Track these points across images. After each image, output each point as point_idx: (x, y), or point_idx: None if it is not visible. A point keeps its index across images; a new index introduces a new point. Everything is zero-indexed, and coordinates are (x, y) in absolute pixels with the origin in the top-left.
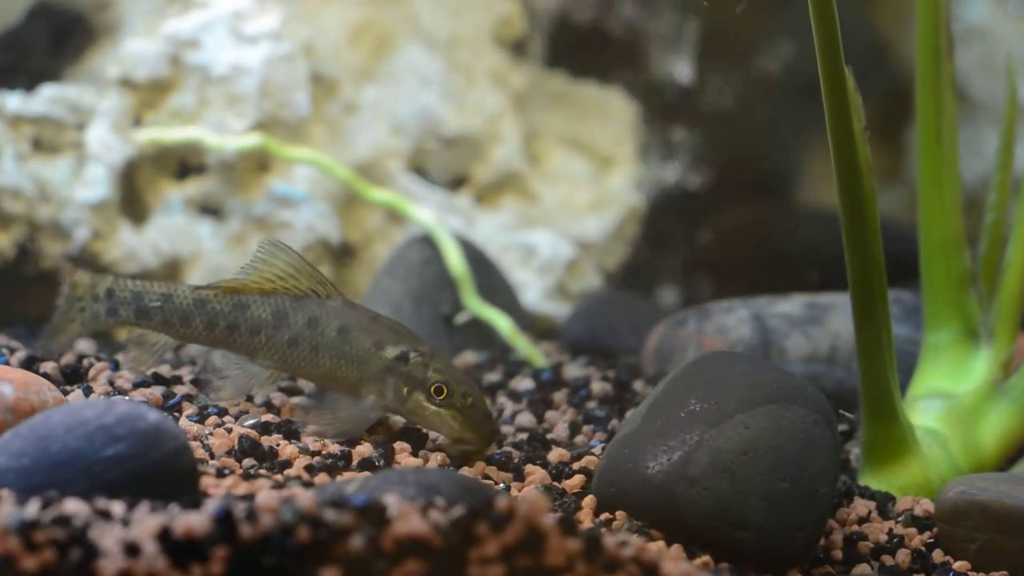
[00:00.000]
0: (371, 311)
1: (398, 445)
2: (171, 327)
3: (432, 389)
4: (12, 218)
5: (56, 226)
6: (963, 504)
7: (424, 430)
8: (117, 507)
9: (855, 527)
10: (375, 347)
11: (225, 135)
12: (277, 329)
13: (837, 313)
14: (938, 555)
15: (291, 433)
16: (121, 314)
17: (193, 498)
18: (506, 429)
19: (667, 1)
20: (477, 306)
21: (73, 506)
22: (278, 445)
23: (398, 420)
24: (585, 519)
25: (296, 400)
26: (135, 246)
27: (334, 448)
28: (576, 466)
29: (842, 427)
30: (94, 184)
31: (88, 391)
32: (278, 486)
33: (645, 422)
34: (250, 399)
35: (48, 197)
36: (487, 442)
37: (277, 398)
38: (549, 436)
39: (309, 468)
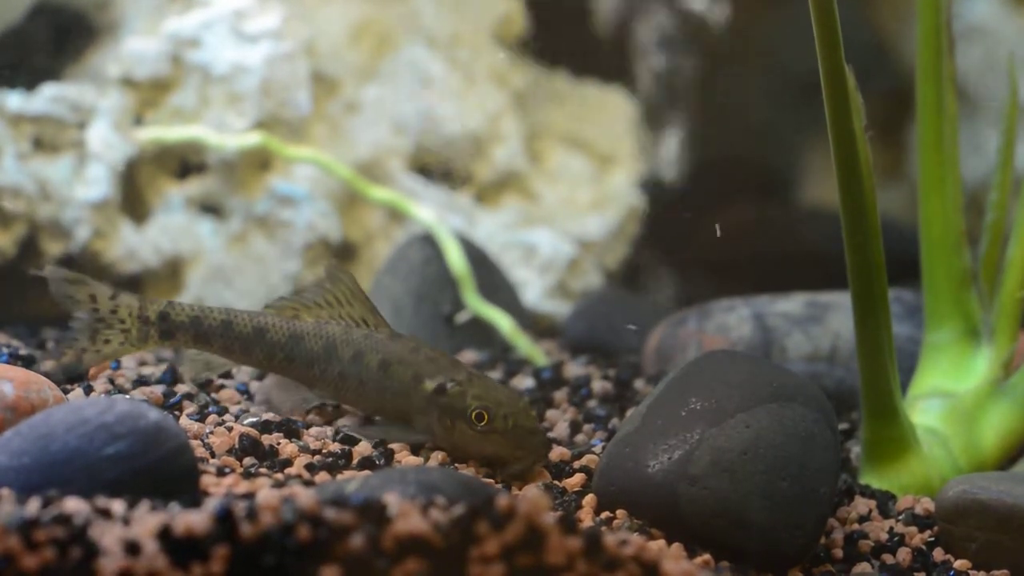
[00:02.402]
0: (413, 341)
1: (398, 444)
2: (231, 353)
3: (473, 417)
4: (13, 217)
5: (57, 225)
6: (964, 503)
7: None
8: (117, 506)
9: (856, 526)
10: (414, 380)
11: (226, 134)
12: (328, 363)
13: (838, 312)
14: (939, 554)
15: (291, 432)
16: (178, 338)
17: (194, 497)
18: None
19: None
20: (478, 305)
21: (73, 505)
22: (278, 444)
23: None
24: (586, 518)
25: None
26: (136, 245)
27: (334, 447)
28: (577, 465)
29: (842, 426)
30: (95, 183)
31: (88, 389)
32: (278, 485)
33: (646, 421)
34: (250, 398)
35: (49, 196)
36: (537, 455)
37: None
38: (550, 435)
39: (309, 467)
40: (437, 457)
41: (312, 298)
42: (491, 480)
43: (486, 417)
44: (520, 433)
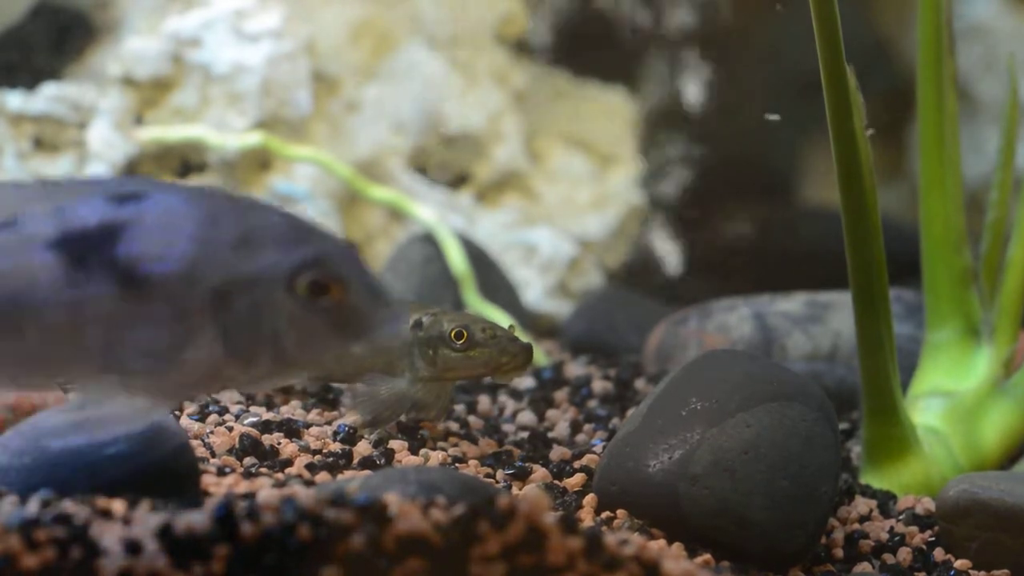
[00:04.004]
0: None
1: (398, 444)
2: None
3: (453, 336)
4: None
5: None
6: (964, 502)
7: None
8: (118, 506)
9: (856, 525)
10: None
11: (226, 133)
12: None
13: (838, 311)
14: (939, 553)
15: (292, 432)
16: None
17: (194, 497)
18: (507, 428)
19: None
20: (478, 304)
21: (74, 505)
22: (279, 444)
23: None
24: (586, 518)
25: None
26: None
27: (335, 447)
28: (577, 464)
29: (843, 425)
30: None
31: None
32: (279, 484)
33: (646, 421)
34: (251, 397)
35: None
36: (524, 357)
37: (279, 396)
38: (550, 435)
39: (310, 467)
40: (437, 457)
41: None
42: (491, 480)
43: (465, 334)
44: (501, 341)
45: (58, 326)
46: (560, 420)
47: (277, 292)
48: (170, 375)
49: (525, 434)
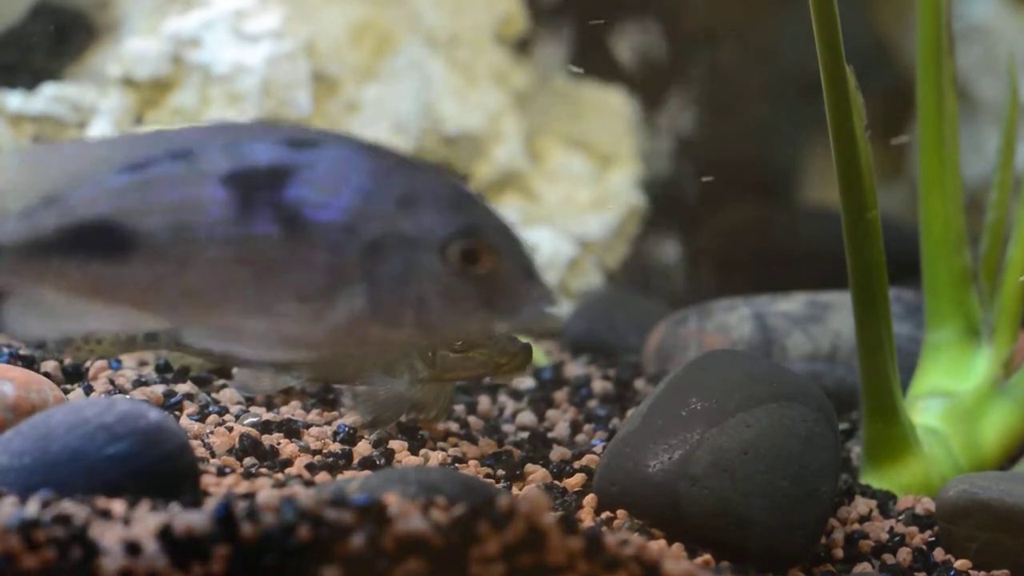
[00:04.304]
0: None
1: (398, 444)
2: (209, 352)
3: None
4: None
5: None
6: (964, 503)
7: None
8: (118, 506)
9: (856, 526)
10: None
11: None
12: None
13: (838, 311)
14: (939, 554)
15: (292, 432)
16: (160, 340)
17: (194, 497)
18: (507, 428)
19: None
20: None
21: (73, 505)
22: (279, 444)
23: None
24: (586, 518)
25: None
26: None
27: (335, 447)
28: (577, 465)
29: (843, 426)
30: None
31: (89, 390)
32: (279, 485)
33: (646, 421)
34: (250, 399)
35: None
36: (524, 356)
37: (279, 397)
38: (550, 435)
39: (310, 467)
40: (437, 457)
41: None
42: (491, 480)
43: None
44: (501, 341)
45: (221, 260)
46: (560, 420)
47: (430, 255)
48: (317, 324)
49: (525, 434)
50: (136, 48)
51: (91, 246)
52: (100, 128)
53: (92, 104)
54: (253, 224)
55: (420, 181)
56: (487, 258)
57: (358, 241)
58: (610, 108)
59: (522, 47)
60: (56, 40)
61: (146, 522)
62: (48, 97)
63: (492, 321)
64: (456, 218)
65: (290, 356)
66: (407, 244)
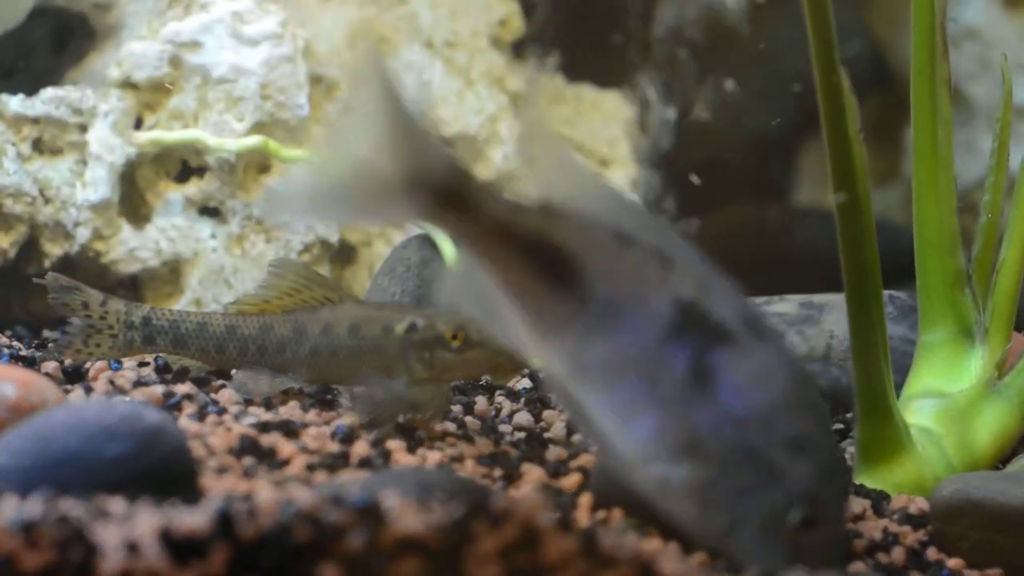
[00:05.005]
0: (377, 302)
1: (396, 444)
2: (207, 354)
3: (449, 337)
4: (14, 218)
5: (58, 226)
6: (957, 502)
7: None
8: (117, 506)
9: (850, 525)
10: (385, 332)
11: (225, 136)
12: (299, 343)
13: (832, 313)
14: (933, 553)
15: (290, 432)
16: (159, 342)
17: (193, 497)
18: (504, 428)
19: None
20: None
21: (73, 505)
22: (278, 444)
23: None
24: (582, 518)
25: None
26: (136, 246)
27: (333, 447)
28: (573, 465)
29: (837, 426)
30: (95, 185)
31: (89, 390)
32: (277, 485)
33: None
34: (249, 401)
35: (49, 198)
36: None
37: (278, 397)
38: (547, 435)
39: (308, 467)
40: (435, 457)
41: (270, 294)
42: (488, 480)
43: (461, 335)
44: (496, 341)
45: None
46: (556, 420)
47: (779, 501)
48: (649, 462)
49: (522, 434)
50: (136, 51)
51: (549, 267)
52: (100, 131)
53: (92, 106)
54: (672, 357)
55: (812, 428)
56: (818, 531)
57: (736, 440)
58: (607, 110)
59: (519, 50)
60: (57, 42)
61: (145, 523)
62: (48, 99)
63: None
64: (822, 486)
65: (608, 457)
66: (768, 475)
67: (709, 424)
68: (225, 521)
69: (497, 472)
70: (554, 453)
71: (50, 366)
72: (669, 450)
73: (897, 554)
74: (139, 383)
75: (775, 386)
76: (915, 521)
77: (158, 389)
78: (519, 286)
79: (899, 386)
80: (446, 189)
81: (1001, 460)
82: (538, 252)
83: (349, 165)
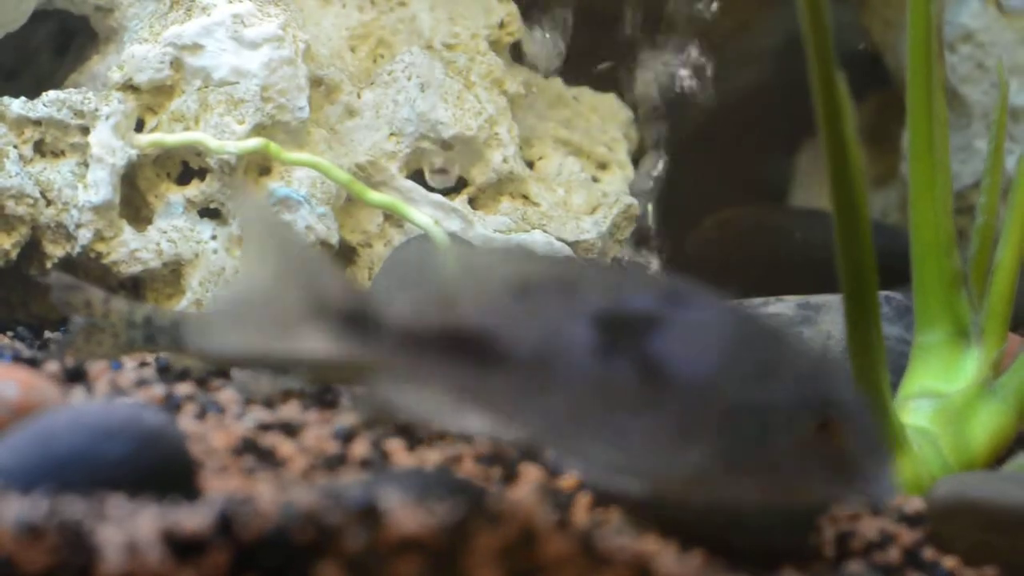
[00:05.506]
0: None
1: (395, 444)
2: (207, 354)
3: None
4: (16, 220)
5: (59, 228)
6: (953, 502)
7: None
8: (117, 507)
9: (846, 524)
10: None
11: (226, 138)
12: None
13: (829, 313)
14: (929, 552)
15: (290, 432)
16: (159, 342)
17: (193, 498)
18: None
19: None
20: None
21: (74, 506)
22: (278, 444)
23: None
24: (580, 517)
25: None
26: (137, 247)
27: (333, 448)
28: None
29: None
30: (97, 187)
31: (90, 391)
32: (278, 486)
33: None
34: (250, 400)
35: (51, 199)
36: None
37: (278, 397)
38: None
39: (308, 467)
40: (433, 457)
41: None
42: (487, 480)
43: None
44: None
45: (578, 392)
46: None
47: (786, 425)
48: (665, 468)
49: None
50: (137, 54)
51: (466, 351)
52: (102, 133)
53: (94, 109)
54: (614, 366)
55: (782, 350)
56: (839, 433)
57: (716, 402)
58: (605, 112)
59: (518, 52)
60: (58, 46)
61: (146, 524)
62: (50, 102)
63: (840, 493)
64: (815, 391)
65: (633, 486)
66: (764, 412)
67: (685, 407)
68: (225, 522)
69: (496, 472)
70: (552, 453)
71: (52, 367)
72: (672, 452)
73: (893, 554)
74: (140, 383)
75: (723, 337)
76: (911, 520)
77: (159, 389)
78: (447, 379)
79: (895, 386)
80: (348, 312)
81: (997, 460)
82: (452, 342)
83: (261, 300)
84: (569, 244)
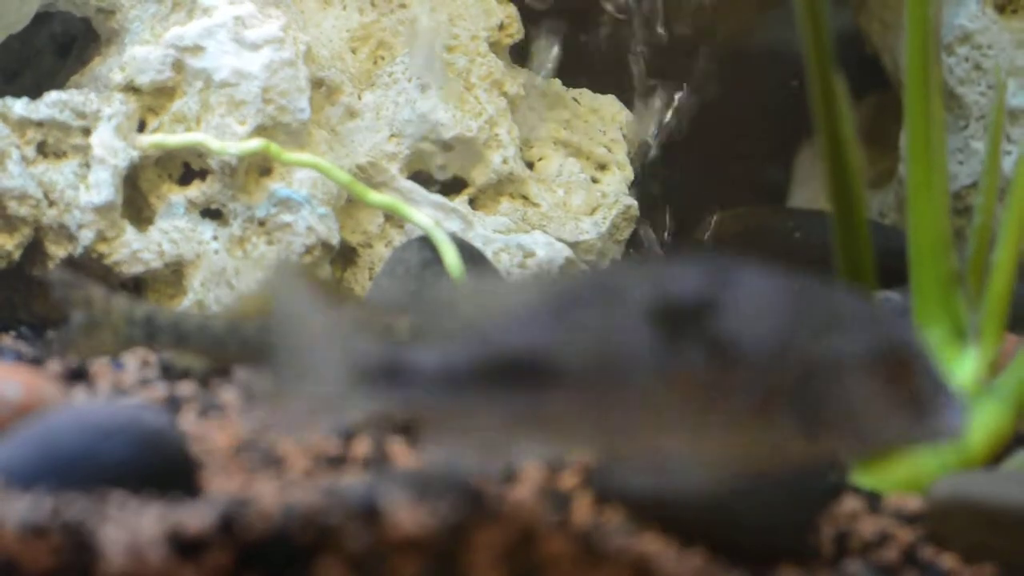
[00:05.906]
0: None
1: (396, 445)
2: (208, 353)
3: None
4: (19, 220)
5: (61, 229)
6: (952, 501)
7: None
8: (119, 507)
9: (845, 523)
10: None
11: (227, 139)
12: None
13: None
14: (927, 551)
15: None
16: (160, 340)
17: (194, 499)
18: None
19: None
20: None
21: (75, 506)
22: (278, 444)
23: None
24: (581, 516)
25: None
26: (139, 248)
27: (333, 447)
28: (572, 464)
29: None
30: (99, 187)
31: (91, 391)
32: (279, 486)
33: None
34: (250, 400)
35: (53, 200)
36: None
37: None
38: None
39: (309, 468)
40: (433, 457)
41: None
42: (487, 479)
43: None
44: None
45: (645, 393)
46: None
47: (854, 375)
48: (749, 447)
49: None
50: (139, 55)
51: (514, 378)
52: (104, 134)
53: (96, 110)
54: (684, 356)
55: (837, 302)
56: (907, 373)
57: (785, 367)
58: (605, 114)
59: (518, 54)
60: (60, 47)
61: (147, 524)
62: (52, 103)
63: (917, 431)
64: (881, 336)
65: (716, 477)
66: (832, 366)
67: (766, 378)
68: (227, 522)
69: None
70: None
71: (54, 366)
72: (762, 427)
73: (892, 553)
74: (142, 382)
75: (781, 301)
76: (910, 520)
77: (161, 389)
78: (498, 412)
79: None
80: (385, 367)
81: (995, 459)
82: (496, 372)
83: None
84: (569, 245)
